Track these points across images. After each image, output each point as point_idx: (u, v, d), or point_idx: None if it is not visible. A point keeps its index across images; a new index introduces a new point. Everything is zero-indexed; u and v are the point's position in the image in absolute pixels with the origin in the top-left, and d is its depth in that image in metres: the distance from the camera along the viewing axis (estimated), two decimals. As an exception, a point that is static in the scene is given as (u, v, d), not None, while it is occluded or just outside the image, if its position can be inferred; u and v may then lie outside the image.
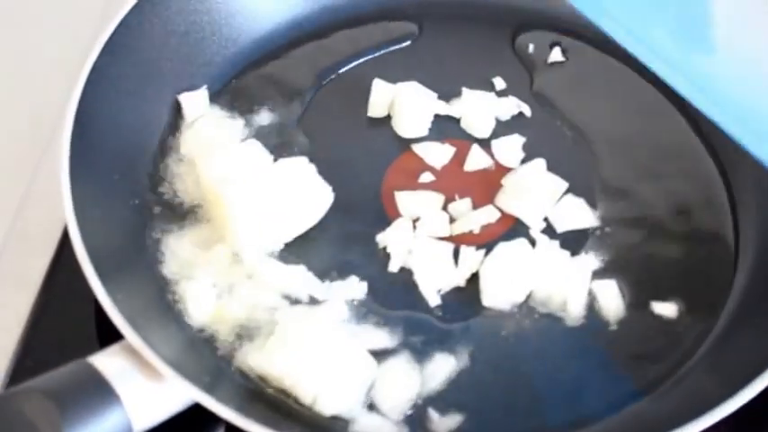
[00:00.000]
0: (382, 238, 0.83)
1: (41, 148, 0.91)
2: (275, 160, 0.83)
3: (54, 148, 0.80)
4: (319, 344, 0.74)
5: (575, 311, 0.80)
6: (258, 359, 0.75)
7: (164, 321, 0.78)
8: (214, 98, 0.91)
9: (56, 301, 0.82)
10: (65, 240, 0.81)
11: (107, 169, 0.83)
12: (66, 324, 0.81)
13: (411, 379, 0.76)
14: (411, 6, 0.99)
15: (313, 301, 0.79)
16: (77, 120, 0.81)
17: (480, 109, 0.91)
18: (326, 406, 0.73)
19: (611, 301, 0.80)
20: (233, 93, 0.93)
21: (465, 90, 0.92)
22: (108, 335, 0.71)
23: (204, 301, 0.78)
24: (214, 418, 0.69)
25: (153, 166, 0.87)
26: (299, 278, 0.80)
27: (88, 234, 0.75)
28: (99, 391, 0.67)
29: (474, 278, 0.81)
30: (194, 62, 0.92)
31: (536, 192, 0.85)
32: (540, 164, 0.87)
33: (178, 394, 0.69)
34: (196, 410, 0.70)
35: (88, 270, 0.73)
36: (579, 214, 0.85)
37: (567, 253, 0.82)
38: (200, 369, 0.73)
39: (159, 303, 0.79)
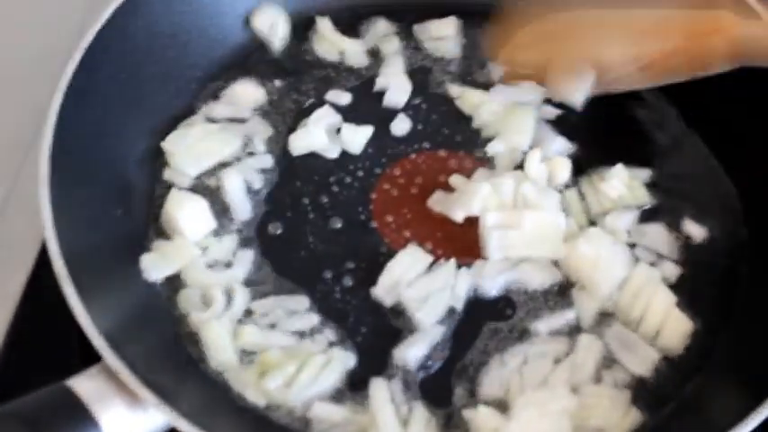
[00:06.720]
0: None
1: (22, 154, 0.88)
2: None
3: (33, 156, 0.77)
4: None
5: None
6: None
7: (154, 341, 0.76)
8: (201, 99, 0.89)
9: (36, 317, 0.80)
10: (45, 252, 0.79)
11: (89, 179, 0.80)
12: (47, 341, 0.79)
13: None
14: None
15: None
16: (58, 127, 0.77)
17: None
18: None
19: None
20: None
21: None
22: (91, 352, 0.68)
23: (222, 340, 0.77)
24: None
25: (138, 178, 0.84)
26: None
27: (68, 246, 0.72)
28: (77, 417, 0.65)
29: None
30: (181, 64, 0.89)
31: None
32: None
33: (158, 418, 0.67)
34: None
35: (65, 284, 0.70)
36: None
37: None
38: (188, 390, 0.72)
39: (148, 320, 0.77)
